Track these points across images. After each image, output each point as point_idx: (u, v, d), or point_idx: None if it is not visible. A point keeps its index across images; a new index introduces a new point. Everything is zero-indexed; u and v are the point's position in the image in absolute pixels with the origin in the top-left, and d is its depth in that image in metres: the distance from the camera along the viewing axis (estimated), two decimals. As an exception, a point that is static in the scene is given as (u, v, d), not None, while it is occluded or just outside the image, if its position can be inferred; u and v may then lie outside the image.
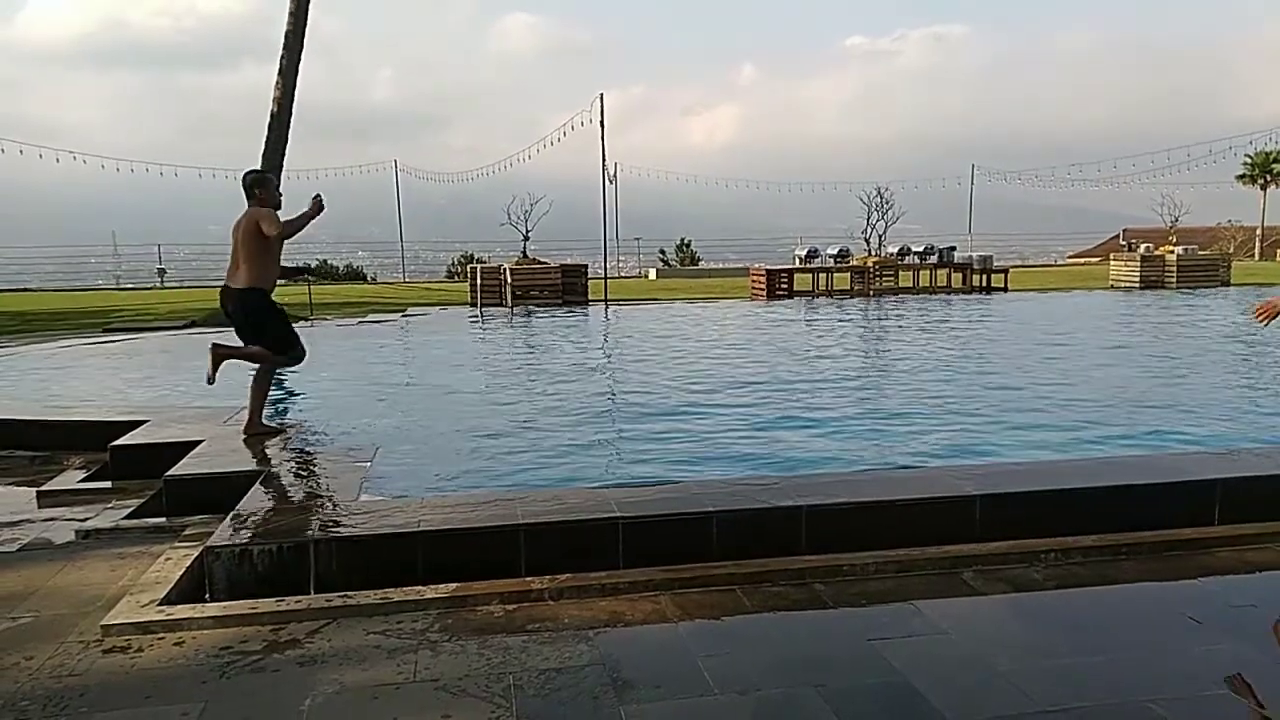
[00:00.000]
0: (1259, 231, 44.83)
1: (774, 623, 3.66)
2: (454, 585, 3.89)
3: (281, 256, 6.39)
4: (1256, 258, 41.89)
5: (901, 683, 3.11)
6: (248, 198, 6.22)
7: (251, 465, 5.42)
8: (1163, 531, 4.47)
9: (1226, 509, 4.66)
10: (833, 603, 3.83)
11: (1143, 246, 27.23)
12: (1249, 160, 45.06)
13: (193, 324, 17.86)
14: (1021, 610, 3.77)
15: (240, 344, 6.33)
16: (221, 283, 6.31)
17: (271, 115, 20.05)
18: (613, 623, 3.64)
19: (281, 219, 6.08)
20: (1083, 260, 43.03)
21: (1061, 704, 2.95)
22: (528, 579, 3.98)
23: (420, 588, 3.88)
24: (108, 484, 5.84)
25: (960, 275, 24.73)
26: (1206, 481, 4.77)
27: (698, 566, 4.08)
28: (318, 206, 6.29)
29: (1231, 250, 36.45)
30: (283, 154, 20.25)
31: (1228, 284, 25.14)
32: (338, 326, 17.43)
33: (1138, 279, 25.00)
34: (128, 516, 5.16)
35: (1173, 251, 25.81)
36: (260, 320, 6.28)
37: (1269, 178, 46.01)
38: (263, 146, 20.12)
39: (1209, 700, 2.97)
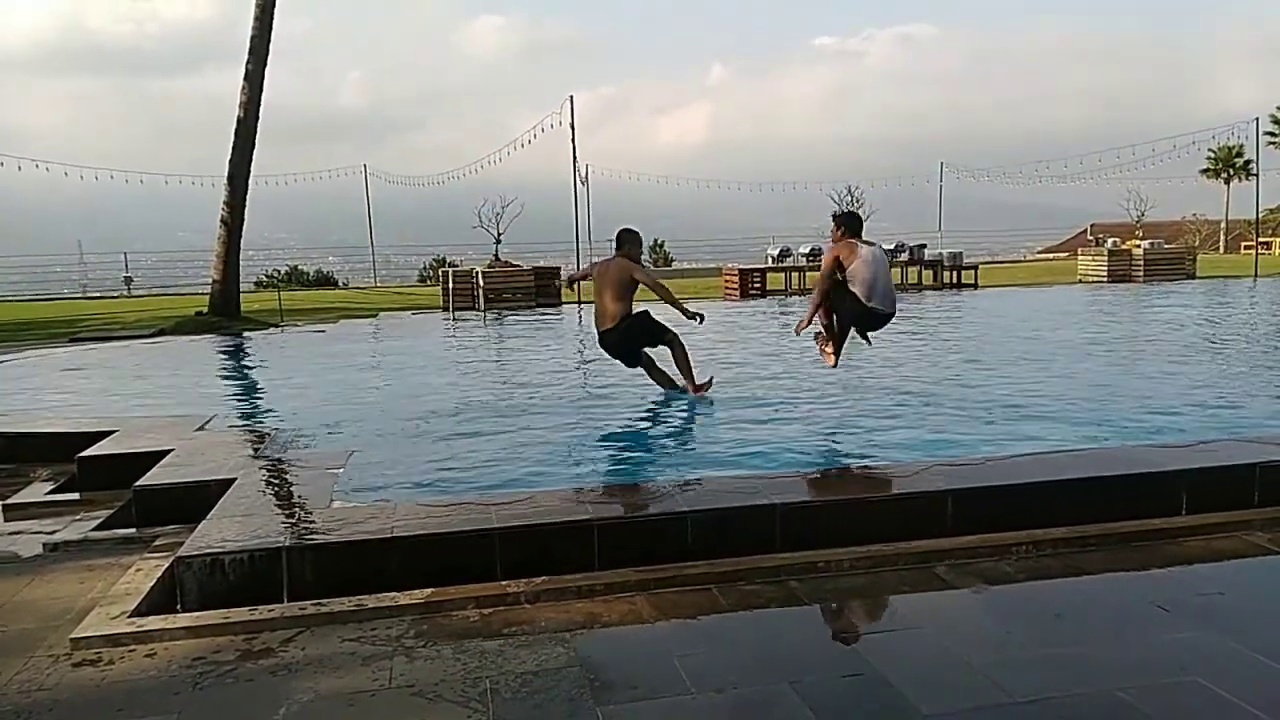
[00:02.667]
0: (1223, 224, 45.53)
1: (750, 621, 3.68)
2: (429, 591, 3.88)
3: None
4: (1221, 250, 42.55)
5: (876, 677, 3.14)
6: (617, 247, 7.36)
7: (222, 474, 5.37)
8: (1131, 522, 4.54)
9: (1194, 499, 4.73)
10: (808, 599, 3.85)
11: (1109, 241, 27.62)
12: (1212, 155, 45.74)
13: (161, 332, 17.66)
14: (993, 603, 3.81)
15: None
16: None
17: (238, 120, 19.87)
18: (589, 624, 3.64)
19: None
20: (1051, 256, 43.50)
21: (1033, 695, 2.99)
22: (503, 583, 3.97)
23: (395, 594, 3.86)
24: (75, 496, 5.77)
25: (931, 272, 24.93)
26: (1174, 473, 4.85)
27: (673, 566, 4.09)
28: (700, 318, 7.80)
29: (1197, 243, 37.04)
30: (250, 159, 20.07)
31: (1193, 276, 25.52)
32: (308, 332, 17.30)
33: (1105, 273, 25.32)
34: (96, 528, 5.10)
35: (1139, 246, 26.17)
36: (647, 329, 7.43)
37: (1232, 171, 46.73)
38: (229, 152, 19.95)
39: (1175, 688, 3.01)
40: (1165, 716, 2.82)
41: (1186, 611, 3.64)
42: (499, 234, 23.14)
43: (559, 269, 23.42)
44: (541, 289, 21.95)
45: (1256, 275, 25.80)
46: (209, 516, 4.49)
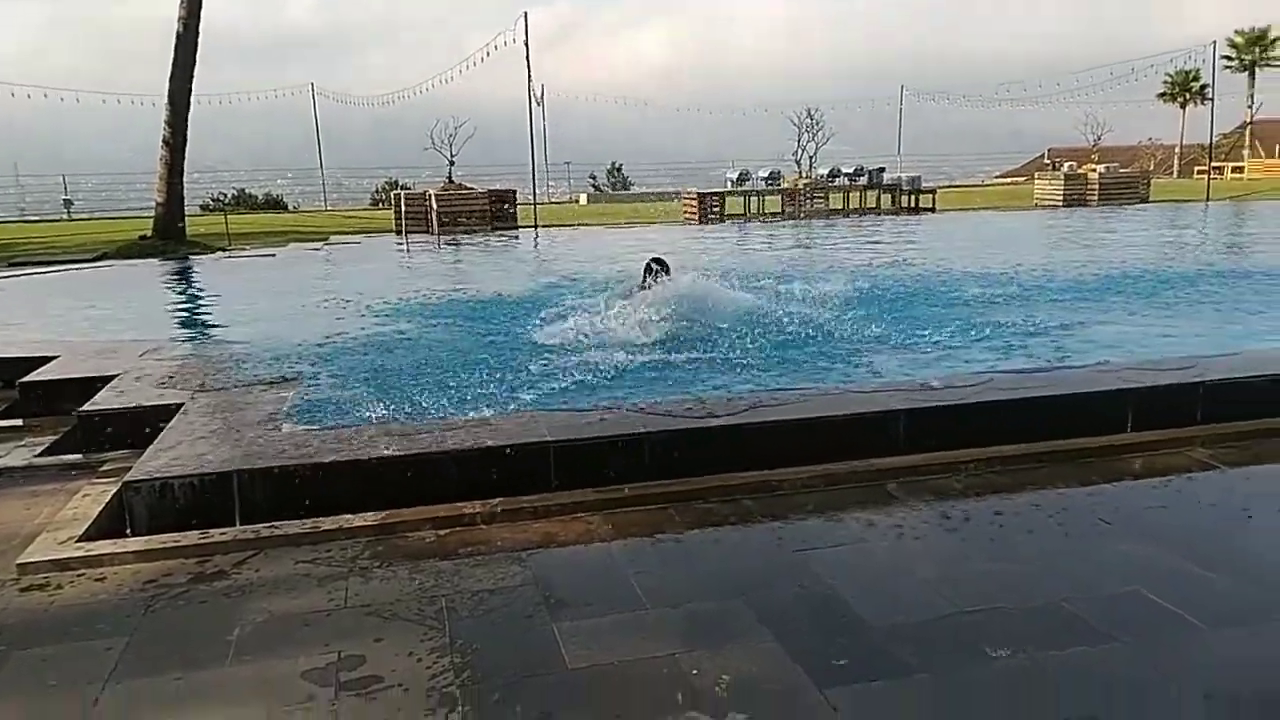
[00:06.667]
0: (1178, 149, 45.91)
1: (705, 538, 3.72)
2: (384, 512, 3.85)
3: None
4: (1175, 175, 42.98)
5: (828, 592, 3.19)
6: None
7: (170, 398, 5.27)
8: (1079, 440, 4.62)
9: (1139, 418, 4.83)
10: (762, 517, 3.89)
11: (1066, 165, 27.81)
12: (1169, 79, 45.86)
13: (104, 256, 17.18)
14: (943, 518, 3.87)
15: None
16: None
17: (178, 35, 19.10)
18: (546, 544, 3.65)
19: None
20: (1009, 180, 43.67)
21: (978, 606, 3.06)
22: (459, 504, 3.95)
23: (349, 515, 3.83)
24: (18, 422, 5.63)
25: (890, 196, 24.97)
26: (1120, 392, 4.93)
27: (630, 487, 4.11)
28: None
29: (1151, 168, 37.36)
30: (190, 76, 19.34)
31: (1147, 200, 25.85)
32: (256, 256, 16.94)
33: (1061, 197, 25.55)
34: (41, 454, 4.99)
35: (1095, 170, 26.38)
36: None
37: (1188, 96, 46.95)
38: (169, 69, 19.21)
39: (1117, 598, 3.10)
40: (1109, 626, 2.90)
41: (1130, 525, 3.74)
42: (452, 156, 22.69)
43: (513, 192, 23.05)
44: (497, 212, 21.63)
45: (1209, 199, 26.17)
46: (157, 441, 4.40)
